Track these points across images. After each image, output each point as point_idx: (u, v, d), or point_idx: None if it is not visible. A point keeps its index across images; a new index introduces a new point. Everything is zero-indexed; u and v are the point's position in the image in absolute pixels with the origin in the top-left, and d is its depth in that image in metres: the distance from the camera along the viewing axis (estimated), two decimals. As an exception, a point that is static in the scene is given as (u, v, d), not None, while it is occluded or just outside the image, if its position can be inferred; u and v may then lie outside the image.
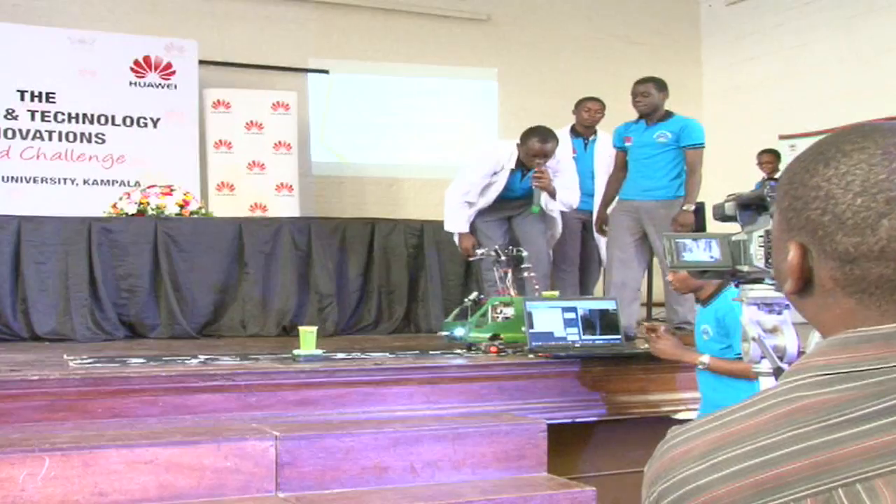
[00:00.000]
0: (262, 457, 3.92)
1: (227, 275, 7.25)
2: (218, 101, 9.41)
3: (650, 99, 6.70)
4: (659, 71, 11.10)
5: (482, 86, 10.95)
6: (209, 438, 3.90)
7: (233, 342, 6.58)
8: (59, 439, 3.82)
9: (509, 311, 5.49)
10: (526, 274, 6.07)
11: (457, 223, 6.78)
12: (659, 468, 1.06)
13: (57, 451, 3.65)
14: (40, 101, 8.75)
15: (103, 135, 8.92)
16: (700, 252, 3.33)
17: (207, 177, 9.25)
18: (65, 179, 8.72)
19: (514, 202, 6.76)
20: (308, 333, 4.95)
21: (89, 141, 8.86)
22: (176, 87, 9.21)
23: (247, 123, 9.44)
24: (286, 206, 9.24)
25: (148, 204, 7.50)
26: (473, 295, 5.94)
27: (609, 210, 6.97)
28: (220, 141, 9.35)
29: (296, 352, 4.83)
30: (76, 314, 6.76)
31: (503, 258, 6.07)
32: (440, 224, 7.90)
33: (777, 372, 3.19)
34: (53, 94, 8.79)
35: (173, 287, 7.04)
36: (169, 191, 7.68)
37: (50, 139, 8.75)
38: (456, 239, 6.88)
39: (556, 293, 5.90)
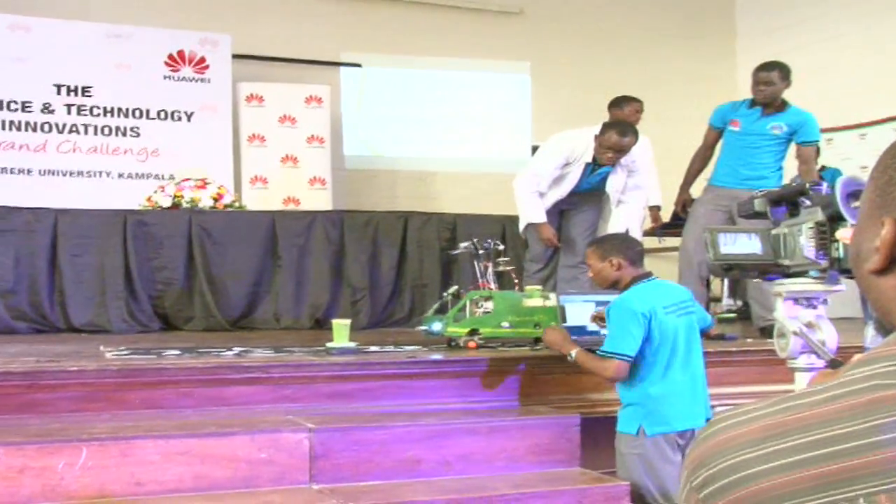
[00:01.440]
0: (296, 449, 3.94)
1: (260, 268, 7.29)
2: (251, 95, 9.45)
3: (773, 88, 6.32)
4: (692, 64, 11.15)
5: (515, 80, 10.93)
6: (244, 430, 3.94)
7: (266, 335, 6.62)
8: (96, 429, 3.86)
9: (489, 305, 5.32)
10: (504, 267, 5.88)
11: (533, 213, 6.45)
12: (704, 452, 1.00)
13: (94, 441, 3.70)
14: (76, 95, 8.82)
15: (138, 128, 8.98)
16: (741, 245, 3.31)
17: (241, 170, 9.29)
18: (100, 173, 8.79)
19: (573, 196, 6.54)
20: (341, 326, 4.98)
21: (124, 134, 8.93)
22: (209, 81, 9.26)
23: (280, 117, 9.48)
24: (319, 200, 9.27)
25: (182, 197, 7.55)
26: (453, 289, 5.80)
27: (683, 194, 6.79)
28: (254, 135, 9.40)
29: (329, 344, 4.86)
30: (112, 306, 6.83)
31: (481, 252, 5.90)
32: (473, 218, 7.93)
33: (833, 364, 3.17)
34: (89, 88, 8.86)
35: (207, 280, 7.09)
36: (203, 184, 7.72)
37: (86, 133, 8.82)
38: (522, 230, 6.69)
39: (539, 288, 5.69)
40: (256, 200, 8.85)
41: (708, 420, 3.50)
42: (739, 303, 8.49)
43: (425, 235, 7.71)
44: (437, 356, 4.80)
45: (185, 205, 7.50)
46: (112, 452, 3.69)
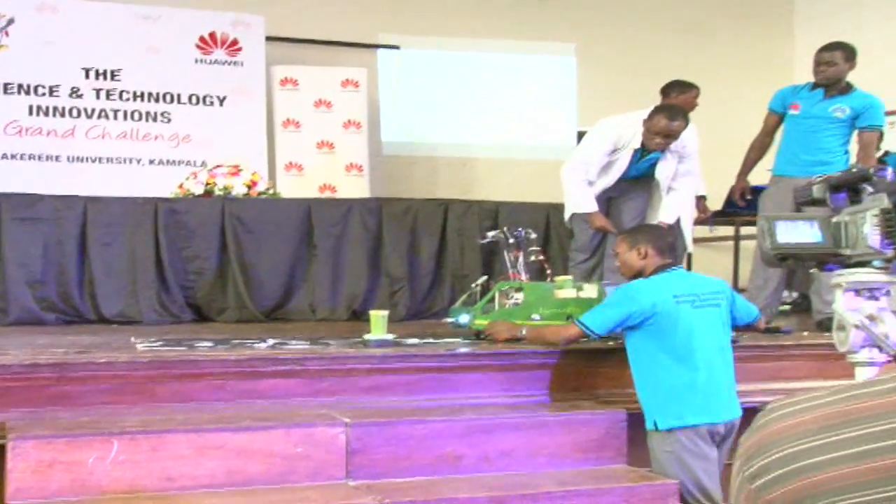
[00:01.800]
0: (332, 443, 3.97)
1: (295, 257, 7.32)
2: (285, 79, 9.48)
3: (836, 69, 6.29)
4: (748, 44, 11.07)
5: (559, 62, 10.89)
6: (279, 424, 3.97)
7: (302, 326, 6.65)
8: (127, 423, 3.90)
9: (519, 297, 5.34)
10: (534, 258, 5.87)
11: (584, 202, 6.42)
12: (760, 441, 0.99)
13: (125, 434, 3.74)
14: (105, 79, 8.89)
15: (169, 113, 9.03)
16: (800, 234, 3.29)
17: (275, 156, 9.32)
18: (130, 159, 8.85)
19: (621, 184, 6.52)
20: (379, 318, 5.00)
21: (155, 120, 8.98)
22: (242, 64, 9.29)
23: (315, 101, 9.50)
24: (356, 187, 9.29)
25: (215, 184, 7.59)
26: (482, 279, 5.80)
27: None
28: (288, 119, 9.42)
29: (367, 336, 4.87)
30: (143, 296, 6.88)
31: (511, 241, 5.88)
32: (516, 206, 7.93)
33: None
34: (118, 71, 8.91)
35: (241, 269, 7.13)
36: (236, 171, 7.76)
37: (115, 118, 8.88)
38: (567, 219, 6.69)
39: (570, 278, 5.69)
40: (291, 188, 8.87)
41: (734, 417, 3.55)
42: (795, 295, 8.45)
43: (466, 224, 7.71)
44: (478, 349, 4.80)
45: (217, 192, 7.54)
46: (143, 447, 3.73)
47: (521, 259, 5.74)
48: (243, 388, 4.31)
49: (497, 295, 5.35)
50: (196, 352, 4.49)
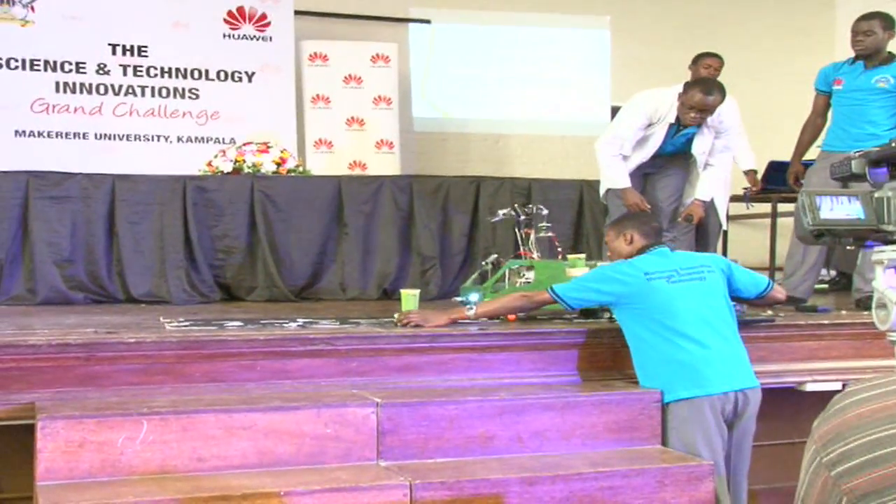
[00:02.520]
0: (363, 424, 3.99)
1: (325, 235, 7.35)
2: (315, 54, 9.50)
3: (873, 38, 6.29)
4: (788, 15, 10.99)
5: (594, 36, 10.85)
6: (309, 404, 3.99)
7: (332, 305, 6.69)
8: (156, 403, 3.94)
9: (530, 275, 5.37)
10: (544, 234, 5.87)
11: (617, 178, 6.46)
12: (839, 427, 0.97)
13: (155, 415, 3.77)
14: (132, 55, 8.93)
15: (197, 90, 9.07)
16: (842, 210, 3.28)
17: (305, 133, 9.35)
18: (158, 136, 8.90)
19: (657, 159, 6.54)
20: (410, 296, 5.02)
21: (182, 97, 9.02)
22: (271, 39, 9.31)
23: (345, 77, 9.52)
24: (387, 164, 9.32)
25: (244, 161, 7.63)
26: (492, 257, 5.79)
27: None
28: (318, 96, 9.45)
29: (396, 316, 4.89)
30: (171, 276, 6.93)
31: (522, 217, 5.87)
32: (549, 182, 7.93)
33: None
34: (145, 48, 8.96)
35: (270, 248, 7.16)
36: (265, 148, 7.79)
37: (143, 95, 8.93)
38: (602, 195, 6.72)
39: (583, 256, 5.70)
40: (321, 165, 8.91)
41: (739, 388, 3.57)
42: (833, 273, 8.42)
43: (498, 201, 7.70)
44: (510, 328, 4.82)
45: (246, 170, 7.58)
46: (173, 427, 3.77)
47: (532, 237, 5.74)
48: (273, 367, 4.34)
49: (507, 273, 5.35)
50: (225, 331, 4.52)
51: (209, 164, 7.72)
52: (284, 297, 7.09)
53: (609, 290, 4.50)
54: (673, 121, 6.30)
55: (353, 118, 9.47)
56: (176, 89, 9.00)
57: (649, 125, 6.37)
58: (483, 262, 5.75)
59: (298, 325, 4.82)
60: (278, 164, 7.69)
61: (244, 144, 7.90)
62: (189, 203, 7.04)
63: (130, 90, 8.89)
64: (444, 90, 10.53)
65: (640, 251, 4.64)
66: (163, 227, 7.00)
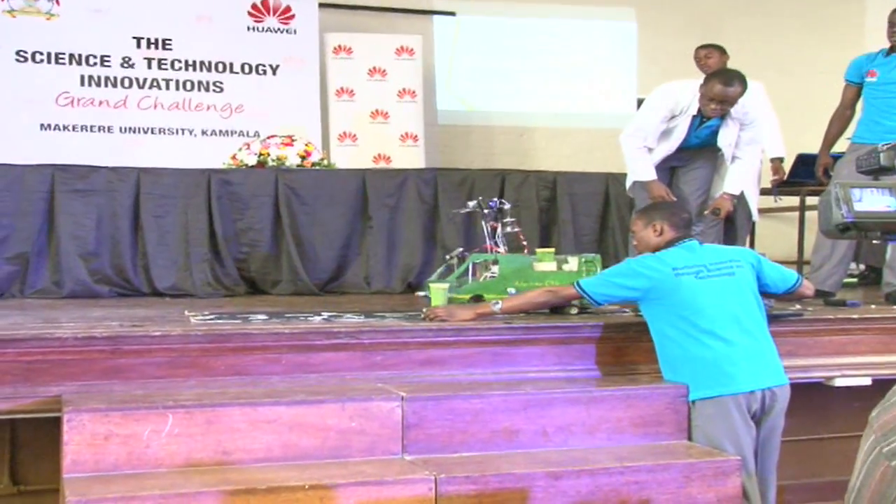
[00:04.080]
0: (387, 418, 4.00)
1: (350, 229, 7.37)
2: (339, 47, 9.52)
3: None
4: (816, 6, 10.93)
5: (619, 27, 10.84)
6: (333, 398, 4.00)
7: (356, 299, 6.70)
8: (182, 396, 3.97)
9: (495, 270, 5.33)
10: (510, 228, 5.83)
11: (642, 170, 6.46)
12: None
13: (180, 408, 3.79)
14: (157, 48, 8.98)
15: (221, 83, 9.11)
16: (874, 202, 3.27)
17: (329, 126, 9.38)
18: (183, 130, 8.94)
19: (683, 152, 6.54)
20: (440, 291, 5.03)
21: (207, 90, 9.07)
22: (295, 31, 9.35)
23: (369, 70, 9.54)
24: (411, 157, 9.33)
25: (268, 155, 7.65)
26: (457, 251, 5.74)
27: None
28: (342, 88, 9.47)
29: (424, 311, 4.90)
30: (196, 269, 6.96)
31: (486, 211, 5.82)
32: (574, 175, 7.92)
33: None
34: (170, 41, 9.00)
35: (295, 241, 7.19)
36: (290, 141, 7.81)
37: (167, 88, 8.98)
38: (628, 188, 6.73)
39: (552, 250, 5.66)
40: (345, 158, 8.93)
41: (767, 387, 3.55)
42: (862, 267, 8.38)
43: (523, 195, 7.71)
44: (535, 322, 4.82)
45: (270, 163, 7.60)
46: (198, 420, 3.79)
47: (498, 230, 5.70)
48: (297, 361, 4.35)
49: (471, 267, 5.32)
50: (250, 325, 4.54)
51: (233, 158, 7.75)
52: (309, 291, 7.11)
53: (636, 286, 4.47)
54: (695, 113, 6.30)
55: (377, 111, 9.49)
56: (200, 82, 9.05)
57: (672, 117, 6.37)
58: (447, 257, 5.69)
59: (323, 319, 4.83)
60: (302, 158, 7.71)
61: (268, 137, 7.92)
62: (213, 196, 7.07)
63: (155, 83, 8.94)
64: (469, 83, 10.53)
65: (669, 244, 4.59)
66: (187, 220, 7.03)
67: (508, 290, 5.18)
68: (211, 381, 4.23)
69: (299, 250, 7.21)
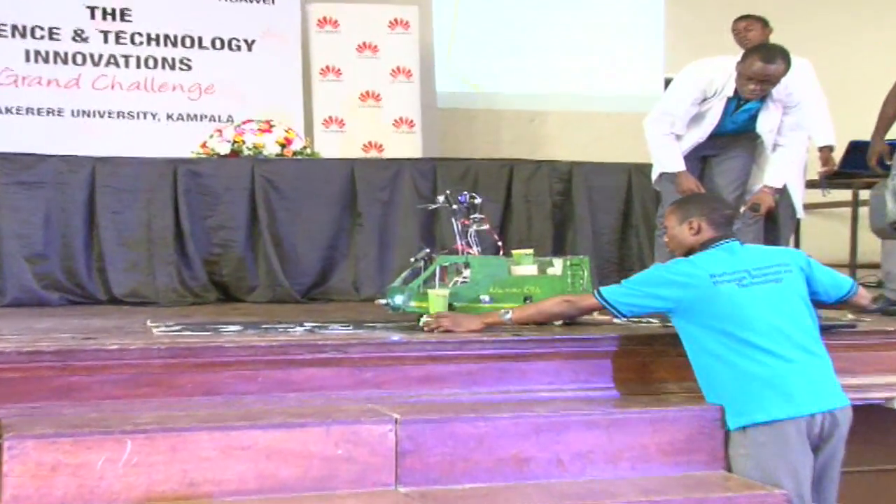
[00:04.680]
0: (379, 444, 3.98)
1: (337, 227, 7.36)
2: (324, 19, 9.50)
3: None
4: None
5: (645, -2, 10.85)
6: (317, 421, 3.98)
7: (344, 307, 6.69)
8: (142, 420, 3.93)
9: (467, 274, 5.23)
10: (478, 226, 5.71)
11: (669, 161, 6.44)
12: None
13: (140, 433, 3.76)
14: (113, 19, 8.95)
15: (189, 60, 9.09)
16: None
17: (312, 110, 9.36)
18: (145, 114, 8.92)
19: (717, 140, 6.51)
20: (438, 298, 4.98)
21: (172, 68, 9.04)
22: (273, 2, 9.33)
23: (358, 46, 9.53)
24: (406, 145, 9.31)
25: (243, 143, 7.64)
26: (423, 252, 5.65)
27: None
28: (327, 67, 9.45)
29: (424, 320, 4.87)
30: (160, 273, 6.94)
31: (455, 206, 5.74)
32: (593, 166, 7.91)
33: None
34: (129, 10, 8.98)
35: (273, 241, 7.18)
36: (268, 127, 7.80)
37: (126, 66, 8.95)
38: (654, 181, 6.70)
39: (530, 251, 5.58)
40: (331, 146, 8.92)
41: (826, 409, 3.49)
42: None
43: (535, 188, 7.70)
44: (548, 334, 4.79)
45: (246, 152, 7.59)
46: (161, 447, 3.76)
47: (471, 229, 5.62)
48: (276, 378, 4.32)
49: (438, 271, 5.25)
50: (222, 337, 4.52)
51: (203, 146, 7.74)
52: (289, 298, 7.10)
53: (668, 296, 4.39)
54: (731, 94, 6.26)
55: (367, 93, 9.48)
56: (164, 59, 9.03)
57: (704, 100, 6.34)
58: (412, 259, 5.61)
59: (306, 330, 4.83)
60: (282, 146, 7.70)
61: (243, 123, 7.91)
62: (181, 190, 7.05)
63: (112, 60, 8.91)
64: (472, 60, 10.52)
65: (707, 244, 4.51)
66: (150, 217, 7.01)
67: (481, 297, 5.12)
68: (176, 401, 4.19)
69: (278, 251, 7.20)
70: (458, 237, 5.52)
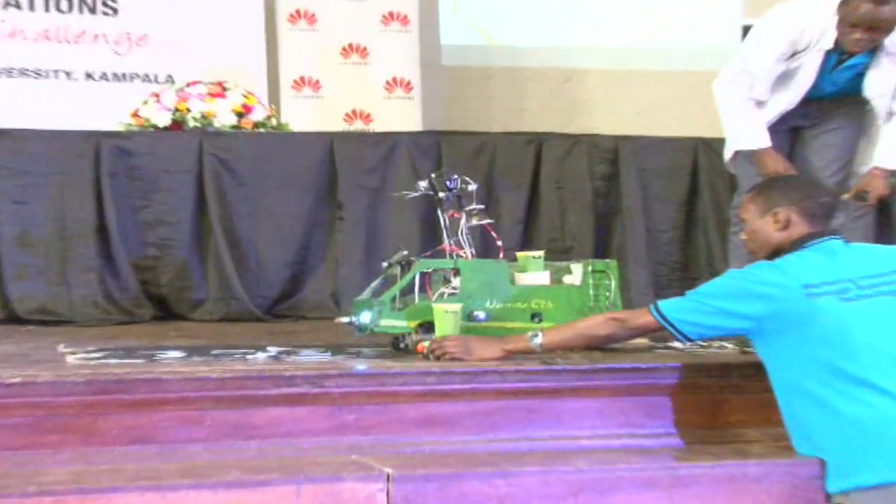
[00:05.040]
0: (366, 508, 3.97)
1: (310, 222, 7.40)
2: (294, -52, 9.52)
3: None
4: None
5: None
6: (284, 478, 3.97)
7: (319, 326, 6.70)
8: (51, 477, 3.91)
9: (456, 283, 5.21)
10: (476, 221, 5.62)
11: (750, 135, 6.38)
12: None
13: (46, 495, 3.74)
14: (13, -55, 8.96)
15: (115, 2, 9.07)
16: None
17: (278, 68, 9.36)
18: (56, 72, 8.92)
19: (811, 106, 6.47)
20: (446, 315, 4.95)
21: (93, 11, 9.04)
22: (228, -75, 9.34)
23: (339, -17, 9.55)
24: (402, 114, 9.33)
25: (188, 111, 7.65)
26: (399, 255, 5.55)
27: None
28: (298, 11, 9.47)
29: (428, 344, 4.84)
30: (76, 283, 6.95)
31: (441, 194, 5.64)
32: (646, 142, 7.91)
33: None
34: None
35: (228, 241, 7.19)
36: (220, 91, 7.82)
37: (31, 8, 8.94)
38: (728, 161, 6.65)
39: (540, 254, 5.50)
40: (303, 116, 8.92)
41: None
42: None
43: (570, 170, 7.71)
44: (587, 363, 4.76)
45: (191, 123, 7.60)
46: (76, 513, 3.74)
47: (462, 223, 5.54)
48: (230, 421, 4.33)
49: (418, 279, 5.19)
50: (159, 367, 4.51)
51: (135, 115, 7.76)
52: (248, 315, 7.13)
53: (746, 313, 4.33)
54: (831, 46, 6.22)
55: (351, 45, 9.49)
56: (83, 1, 9.01)
57: (794, 54, 6.30)
58: (386, 263, 5.54)
59: (269, 357, 4.84)
60: (239, 115, 7.72)
61: (188, 85, 7.92)
62: (104, 173, 7.06)
63: (13, 1, 8.89)
64: (487, 5, 10.52)
65: (798, 243, 4.45)
66: (64, 208, 7.02)
67: (475, 313, 5.08)
68: (97, 452, 4.19)
69: (234, 254, 7.21)
70: (445, 235, 5.45)
